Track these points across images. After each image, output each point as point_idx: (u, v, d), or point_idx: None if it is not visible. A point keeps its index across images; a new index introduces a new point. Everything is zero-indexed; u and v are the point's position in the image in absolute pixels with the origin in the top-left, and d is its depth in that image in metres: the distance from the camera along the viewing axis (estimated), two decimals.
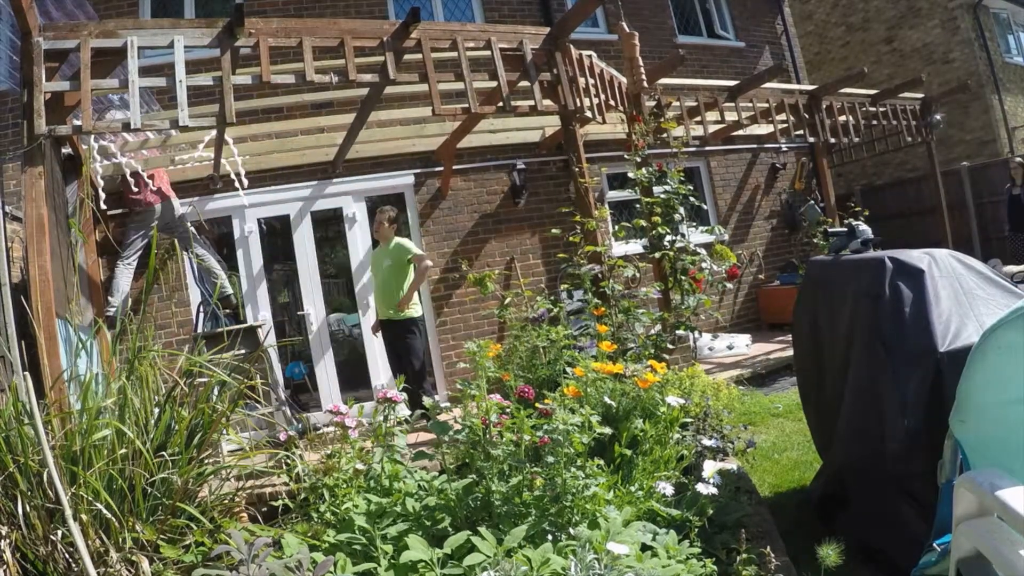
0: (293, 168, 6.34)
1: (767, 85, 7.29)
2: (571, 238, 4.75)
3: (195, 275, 5.75)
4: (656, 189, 4.87)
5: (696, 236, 5.82)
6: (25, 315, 2.92)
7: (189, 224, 5.59)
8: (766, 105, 7.31)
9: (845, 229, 3.15)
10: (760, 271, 8.89)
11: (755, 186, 9.10)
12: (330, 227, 7.27)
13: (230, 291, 5.66)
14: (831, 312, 2.81)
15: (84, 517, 2.05)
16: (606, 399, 2.89)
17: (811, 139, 7.70)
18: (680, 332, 4.59)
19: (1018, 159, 8.82)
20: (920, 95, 9.07)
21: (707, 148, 8.26)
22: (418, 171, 6.83)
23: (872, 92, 8.44)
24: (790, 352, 3.88)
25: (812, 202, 8.96)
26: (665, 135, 5.17)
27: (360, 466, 2.57)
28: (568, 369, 3.18)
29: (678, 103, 6.57)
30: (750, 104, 7.18)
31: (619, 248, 6.99)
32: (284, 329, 6.88)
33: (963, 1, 12.19)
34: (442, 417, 2.66)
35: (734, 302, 8.61)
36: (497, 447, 2.33)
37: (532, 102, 4.48)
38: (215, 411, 2.48)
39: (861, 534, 2.47)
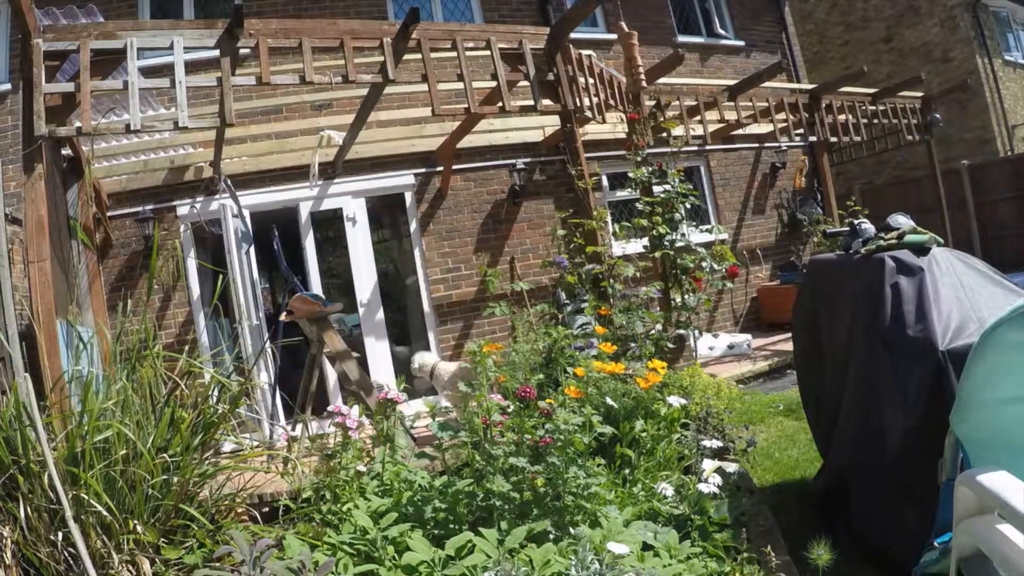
0: (293, 169, 6.34)
1: (767, 84, 7.28)
2: (575, 239, 4.74)
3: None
4: (656, 189, 4.86)
5: (696, 236, 5.83)
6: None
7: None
8: (766, 104, 7.30)
9: (847, 228, 3.14)
10: (760, 270, 8.89)
11: (755, 185, 9.10)
12: (330, 228, 7.26)
13: None
14: (831, 311, 2.80)
15: (85, 519, 2.05)
16: (608, 400, 2.89)
17: (811, 138, 7.68)
18: (680, 332, 4.58)
19: None
20: (919, 94, 9.06)
21: (707, 148, 8.25)
22: (418, 171, 6.83)
23: (871, 91, 8.43)
24: (790, 351, 3.88)
25: (812, 201, 8.98)
26: (665, 134, 5.16)
27: (362, 467, 2.57)
28: (569, 369, 3.18)
29: (678, 102, 6.57)
30: (750, 103, 7.17)
31: (619, 248, 6.99)
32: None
33: None
34: (442, 418, 2.67)
35: (734, 301, 8.60)
36: (498, 447, 2.33)
37: (532, 102, 4.47)
38: (216, 412, 2.48)
39: (862, 532, 2.47)
